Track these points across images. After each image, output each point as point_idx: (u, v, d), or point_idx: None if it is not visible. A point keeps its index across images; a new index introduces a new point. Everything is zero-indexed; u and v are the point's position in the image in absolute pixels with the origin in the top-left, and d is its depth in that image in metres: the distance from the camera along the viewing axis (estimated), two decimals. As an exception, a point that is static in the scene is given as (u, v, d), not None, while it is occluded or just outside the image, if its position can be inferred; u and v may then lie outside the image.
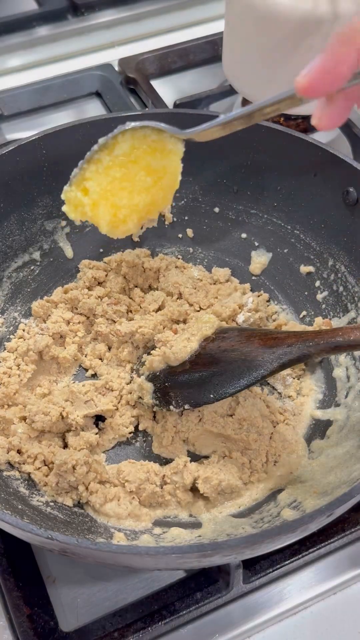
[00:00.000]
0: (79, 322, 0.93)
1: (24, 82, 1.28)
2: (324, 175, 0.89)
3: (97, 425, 0.85)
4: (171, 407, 0.82)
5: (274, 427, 0.84)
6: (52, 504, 0.76)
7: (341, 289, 0.89)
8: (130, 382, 0.88)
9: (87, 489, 0.77)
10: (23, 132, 1.18)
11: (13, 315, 0.92)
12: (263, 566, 0.75)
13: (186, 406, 0.81)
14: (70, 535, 0.60)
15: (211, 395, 0.80)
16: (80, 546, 0.59)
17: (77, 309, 0.93)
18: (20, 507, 0.72)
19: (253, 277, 0.98)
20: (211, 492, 0.77)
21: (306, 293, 0.93)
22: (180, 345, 0.82)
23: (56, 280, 0.96)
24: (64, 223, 0.96)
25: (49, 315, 0.93)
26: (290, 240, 0.95)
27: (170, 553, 0.60)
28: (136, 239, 0.99)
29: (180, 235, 1.00)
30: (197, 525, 0.77)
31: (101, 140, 0.67)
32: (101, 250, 0.99)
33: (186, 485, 0.78)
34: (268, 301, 0.96)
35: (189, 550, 0.60)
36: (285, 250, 0.95)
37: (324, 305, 0.91)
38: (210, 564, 0.68)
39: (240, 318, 0.92)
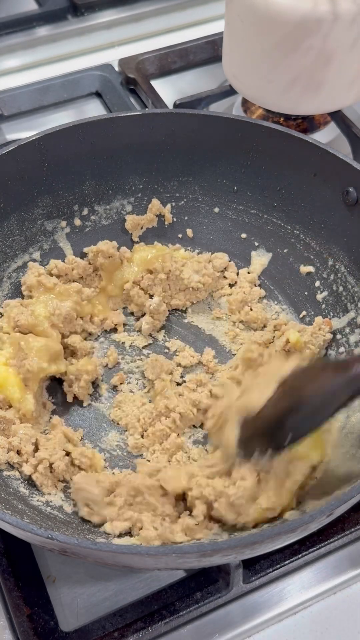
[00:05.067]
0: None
1: (24, 82, 1.28)
2: (324, 175, 0.89)
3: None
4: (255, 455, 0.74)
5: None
6: (52, 503, 0.76)
7: (341, 289, 0.89)
8: None
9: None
10: (23, 132, 1.18)
11: (13, 316, 0.92)
12: (263, 566, 0.75)
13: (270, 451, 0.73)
14: (70, 535, 0.60)
15: (290, 435, 0.71)
16: (80, 546, 0.59)
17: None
18: (20, 507, 0.71)
19: (253, 277, 0.98)
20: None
21: (306, 293, 0.93)
22: (256, 396, 0.74)
23: (56, 280, 0.96)
24: (64, 223, 0.96)
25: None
26: (290, 240, 0.95)
27: (170, 553, 0.60)
28: (136, 239, 0.99)
29: (180, 235, 1.00)
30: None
31: None
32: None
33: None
34: (263, 297, 0.96)
35: (189, 550, 0.60)
36: (285, 250, 0.95)
37: (323, 305, 0.91)
38: (210, 563, 0.68)
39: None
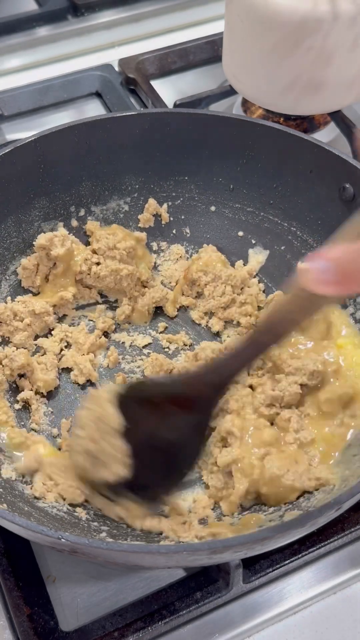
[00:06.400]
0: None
1: (24, 82, 1.28)
2: (320, 172, 0.88)
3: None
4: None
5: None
6: (58, 505, 0.75)
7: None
8: None
9: None
10: (23, 132, 1.18)
11: (11, 318, 0.92)
12: (263, 566, 0.75)
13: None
14: (79, 536, 0.60)
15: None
16: (91, 546, 0.59)
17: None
18: (27, 509, 0.71)
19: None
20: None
21: (304, 290, 0.93)
22: None
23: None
24: (61, 225, 0.96)
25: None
26: (287, 238, 0.94)
27: (181, 551, 0.60)
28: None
29: (177, 234, 1.00)
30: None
31: None
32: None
33: None
34: (263, 291, 0.96)
35: (200, 547, 0.60)
36: (282, 248, 0.95)
37: (322, 303, 0.91)
38: (220, 560, 0.68)
39: None
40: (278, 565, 0.75)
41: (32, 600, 0.73)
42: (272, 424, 0.79)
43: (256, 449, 0.76)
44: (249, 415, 0.79)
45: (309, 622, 0.75)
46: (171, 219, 0.99)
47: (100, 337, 0.91)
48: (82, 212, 0.97)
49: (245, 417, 0.78)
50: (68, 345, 0.91)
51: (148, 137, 0.93)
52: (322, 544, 0.77)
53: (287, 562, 0.75)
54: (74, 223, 0.96)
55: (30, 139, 0.89)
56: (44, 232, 0.93)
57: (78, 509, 0.76)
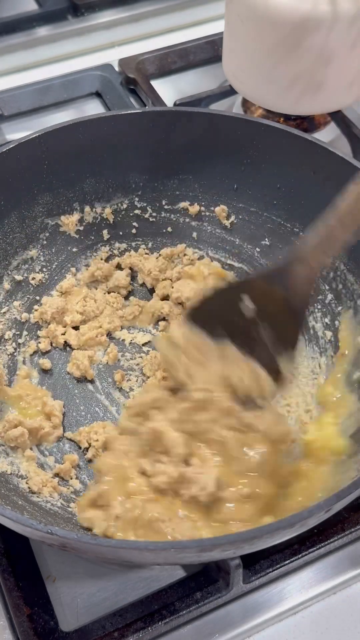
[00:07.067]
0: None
1: (24, 82, 1.28)
2: (323, 173, 0.88)
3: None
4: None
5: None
6: (52, 500, 0.76)
7: (340, 286, 0.89)
8: None
9: None
10: (23, 132, 1.16)
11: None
12: (263, 566, 0.75)
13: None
14: (71, 531, 0.60)
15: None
16: (80, 541, 0.59)
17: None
18: (20, 502, 0.72)
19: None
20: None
21: (305, 291, 0.93)
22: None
23: (56, 278, 0.97)
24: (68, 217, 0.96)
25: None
26: (290, 238, 0.94)
27: (169, 548, 0.60)
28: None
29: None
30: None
31: None
32: (102, 247, 0.99)
33: None
34: None
35: (188, 545, 0.60)
36: (285, 248, 0.95)
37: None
38: (209, 558, 0.68)
39: None
40: (278, 566, 0.75)
41: (32, 600, 0.73)
42: None
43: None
44: None
45: (309, 622, 0.75)
46: (174, 216, 1.00)
47: (102, 335, 0.92)
48: (86, 209, 0.96)
49: None
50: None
51: (152, 135, 0.93)
52: (322, 544, 0.77)
53: (287, 562, 0.75)
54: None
55: (34, 135, 0.89)
56: (48, 228, 0.94)
57: (72, 505, 0.76)
